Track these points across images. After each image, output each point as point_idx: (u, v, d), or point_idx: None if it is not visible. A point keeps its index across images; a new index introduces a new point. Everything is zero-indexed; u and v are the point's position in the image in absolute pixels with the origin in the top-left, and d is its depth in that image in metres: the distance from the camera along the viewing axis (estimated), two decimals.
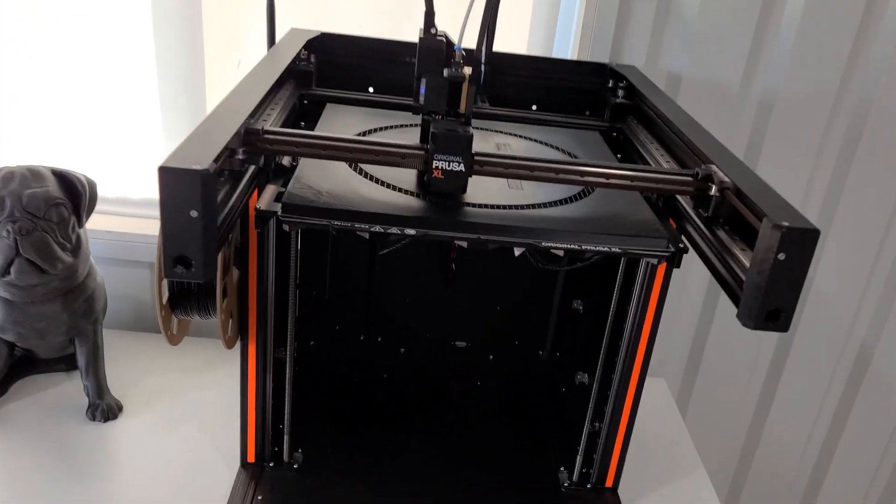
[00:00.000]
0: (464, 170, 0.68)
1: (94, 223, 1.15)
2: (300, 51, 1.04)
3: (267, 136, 0.68)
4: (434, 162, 0.68)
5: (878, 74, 1.18)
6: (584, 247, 0.72)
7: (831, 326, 1.39)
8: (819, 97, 1.19)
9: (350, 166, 0.80)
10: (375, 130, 0.92)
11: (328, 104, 0.99)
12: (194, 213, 0.55)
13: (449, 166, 0.68)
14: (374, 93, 1.11)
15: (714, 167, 0.71)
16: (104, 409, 1.06)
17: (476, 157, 0.69)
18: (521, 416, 1.16)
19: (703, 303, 1.37)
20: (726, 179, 0.68)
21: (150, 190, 1.30)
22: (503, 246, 0.71)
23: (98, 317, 1.06)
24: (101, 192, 1.03)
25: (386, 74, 1.10)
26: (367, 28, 1.19)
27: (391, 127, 0.94)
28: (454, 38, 0.71)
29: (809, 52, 1.17)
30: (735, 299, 0.64)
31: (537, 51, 1.20)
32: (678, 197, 0.78)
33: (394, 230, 0.70)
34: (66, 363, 1.14)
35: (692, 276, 1.33)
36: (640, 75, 1.09)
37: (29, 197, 0.91)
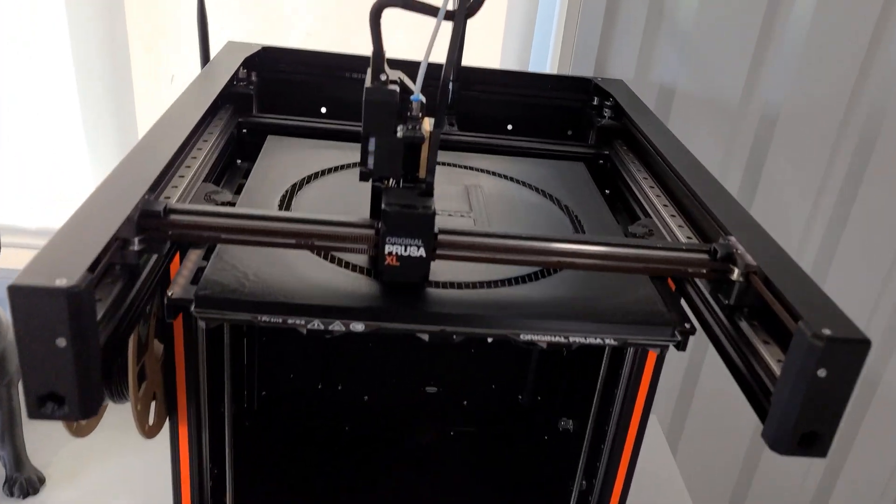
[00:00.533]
0: (424, 255, 0.52)
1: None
2: (238, 69, 0.87)
3: (172, 216, 0.51)
4: (387, 246, 0.52)
5: (892, 84, 1.03)
6: (571, 339, 0.56)
7: None
8: (827, 110, 1.04)
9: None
10: (324, 173, 0.75)
11: (269, 137, 0.82)
12: (62, 343, 0.39)
13: (406, 251, 0.52)
14: (326, 115, 0.94)
15: (733, 240, 0.56)
16: (23, 483, 0.90)
17: (440, 237, 0.53)
18: (498, 469, 1.02)
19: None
20: (753, 262, 0.53)
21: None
22: (473, 337, 0.55)
23: (12, 378, 0.90)
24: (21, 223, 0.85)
25: (340, 92, 0.94)
26: (318, 38, 1.01)
27: (345, 166, 0.77)
28: (411, 84, 0.54)
29: (817, 61, 1.01)
30: (760, 412, 0.50)
31: (512, 65, 1.03)
32: (693, 283, 0.63)
33: (336, 325, 0.54)
34: None
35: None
36: (629, 92, 0.93)
37: None
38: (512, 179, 0.79)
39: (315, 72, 0.92)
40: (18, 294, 0.39)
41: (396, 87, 0.53)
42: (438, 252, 0.53)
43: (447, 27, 0.51)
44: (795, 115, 1.03)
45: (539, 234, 0.55)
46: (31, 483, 0.91)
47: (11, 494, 0.90)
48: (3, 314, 0.89)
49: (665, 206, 0.73)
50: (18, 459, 0.91)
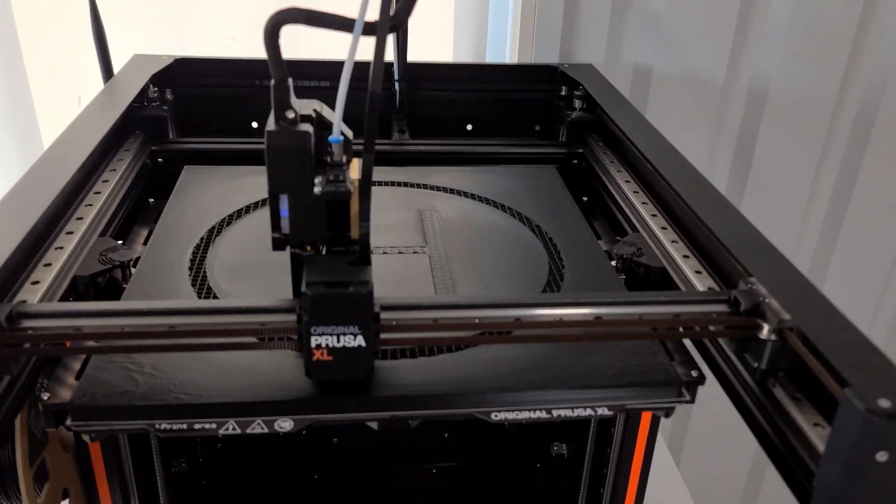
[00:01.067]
0: (364, 345, 0.38)
1: None
2: (146, 86, 0.72)
3: (25, 324, 0.37)
4: (313, 338, 0.38)
5: (891, 51, 0.89)
6: (554, 412, 0.43)
7: None
8: (821, 82, 0.91)
9: (199, 297, 0.49)
10: (249, 210, 0.61)
11: (185, 168, 0.67)
12: None
13: (339, 342, 0.38)
14: (258, 132, 0.79)
15: (755, 284, 0.43)
16: None
17: (383, 317, 0.39)
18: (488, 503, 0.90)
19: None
20: (787, 317, 0.40)
21: None
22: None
23: None
24: None
25: (255, 102, 0.79)
26: (240, 43, 0.85)
27: None
28: (331, 114, 0.40)
29: (808, 31, 0.87)
30: (801, 496, 0.39)
31: (467, 57, 0.88)
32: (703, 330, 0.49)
33: (257, 425, 0.41)
34: None
35: None
36: (600, 78, 0.80)
37: None
38: (473, 197, 0.65)
39: (240, 83, 0.78)
40: None
41: (309, 127, 0.38)
42: (383, 337, 0.40)
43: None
44: (787, 91, 0.90)
45: (512, 300, 0.42)
46: None
47: None
48: None
49: (654, 215, 0.60)
50: None
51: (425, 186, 0.67)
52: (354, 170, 0.40)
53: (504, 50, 0.85)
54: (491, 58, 0.88)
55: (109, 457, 0.55)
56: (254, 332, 0.39)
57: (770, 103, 0.90)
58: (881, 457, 0.33)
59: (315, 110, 0.40)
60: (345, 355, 0.39)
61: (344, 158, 0.40)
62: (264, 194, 0.62)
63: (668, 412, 0.45)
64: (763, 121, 0.91)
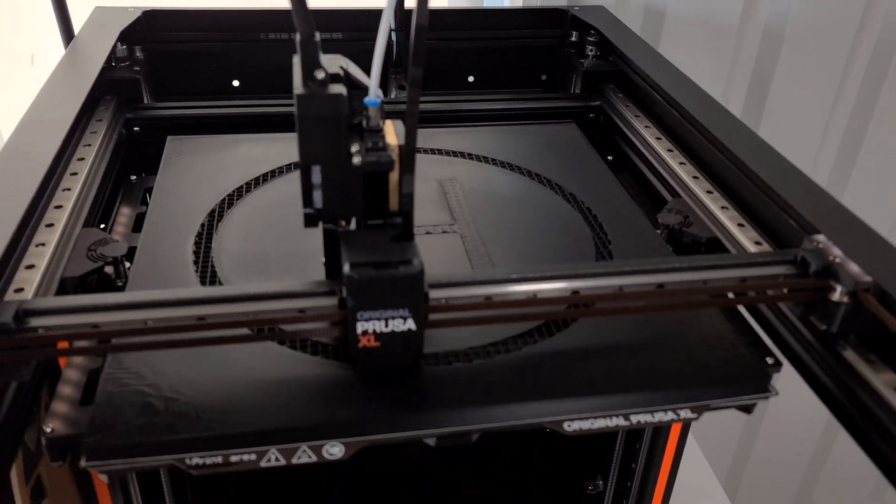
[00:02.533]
0: (415, 327, 0.37)
1: None
2: (115, 45, 0.68)
3: (35, 322, 0.35)
4: (359, 324, 0.36)
5: None
6: (634, 419, 0.40)
7: None
8: (837, 23, 0.90)
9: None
10: (254, 185, 0.58)
11: (169, 139, 0.63)
12: None
13: (388, 326, 0.37)
14: (239, 90, 0.76)
15: (823, 241, 0.42)
16: None
17: (432, 296, 0.38)
18: None
19: None
20: (864, 277, 0.40)
21: None
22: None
23: None
24: None
25: (255, 58, 0.76)
26: None
27: (282, 170, 0.60)
28: (362, 76, 0.38)
29: None
30: (889, 472, 0.37)
31: (467, 2, 0.86)
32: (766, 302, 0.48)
33: (303, 452, 0.37)
34: None
35: None
36: (614, 20, 0.78)
37: None
38: (495, 162, 0.63)
39: (218, 36, 0.74)
40: None
41: (342, 89, 0.36)
42: (433, 318, 0.38)
43: None
44: (803, 31, 0.89)
45: (568, 271, 0.41)
46: None
47: None
48: None
49: (695, 178, 0.59)
50: None
51: (440, 152, 0.65)
52: (391, 134, 0.38)
53: None
54: (491, 1, 0.85)
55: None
56: (293, 319, 0.37)
57: (786, 42, 0.90)
58: None
59: (342, 67, 0.38)
60: (394, 340, 0.37)
61: (381, 125, 0.38)
62: (263, 167, 0.60)
63: (751, 408, 0.44)
64: (779, 62, 0.90)
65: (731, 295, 0.42)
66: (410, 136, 0.37)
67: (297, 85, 0.36)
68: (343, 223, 0.39)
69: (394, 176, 0.38)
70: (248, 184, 0.57)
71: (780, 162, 0.53)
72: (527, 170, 0.62)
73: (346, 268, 0.36)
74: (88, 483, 0.55)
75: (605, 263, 0.49)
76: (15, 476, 0.48)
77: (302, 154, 0.37)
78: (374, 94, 0.37)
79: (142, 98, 0.69)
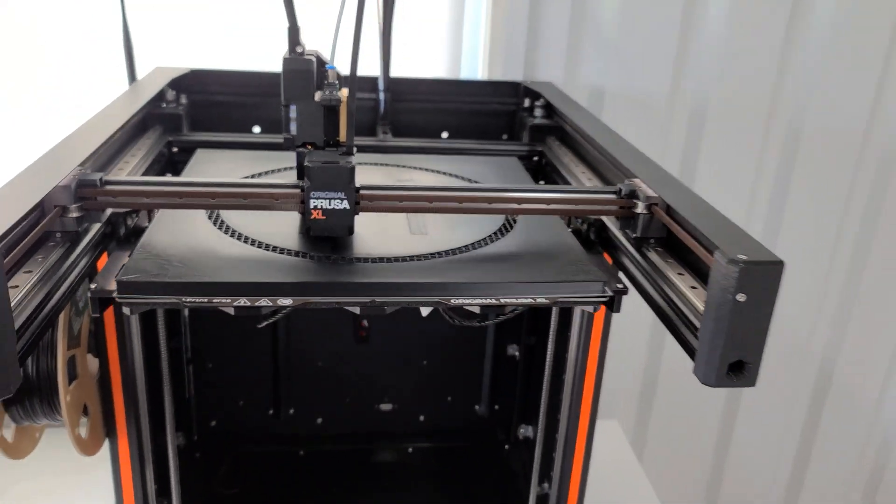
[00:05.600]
0: (348, 206, 0.62)
1: None
2: (165, 90, 0.98)
3: (109, 186, 0.61)
4: (311, 201, 0.62)
5: (815, 63, 1.18)
6: (503, 300, 0.64)
7: (789, 344, 1.37)
8: (754, 97, 1.18)
9: (214, 224, 0.71)
10: (253, 177, 0.85)
11: (198, 150, 0.92)
12: None
13: (330, 204, 0.62)
14: (261, 133, 1.05)
15: (638, 181, 0.67)
16: None
17: (362, 192, 0.63)
18: (460, 481, 1.09)
19: (652, 330, 1.33)
20: (653, 194, 0.64)
21: None
22: (404, 307, 0.64)
23: None
24: None
25: (273, 111, 1.05)
26: (250, 55, 1.13)
27: (276, 171, 0.87)
28: (326, 56, 0.66)
29: (740, 49, 1.16)
30: (690, 350, 0.57)
31: (443, 73, 1.16)
32: (609, 226, 0.73)
33: (264, 301, 0.60)
34: None
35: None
36: (558, 92, 1.06)
37: None
38: (444, 173, 0.90)
39: (246, 92, 1.04)
40: None
41: (313, 58, 0.64)
42: (361, 205, 0.63)
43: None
44: (724, 105, 1.17)
45: (457, 186, 0.66)
46: None
47: None
48: None
49: (590, 181, 0.84)
50: None
51: (404, 166, 0.92)
52: (343, 93, 0.65)
53: (476, 67, 1.13)
54: (465, 74, 1.16)
55: (126, 362, 0.76)
56: (270, 197, 0.62)
57: (708, 119, 1.18)
58: (741, 297, 0.53)
59: (316, 53, 0.66)
60: (333, 215, 0.62)
61: (337, 83, 0.65)
62: (266, 167, 0.87)
63: (596, 306, 0.67)
64: (703, 135, 1.18)
65: (569, 204, 0.67)
66: (352, 92, 0.63)
67: (285, 54, 0.64)
68: (309, 147, 0.65)
69: (343, 117, 0.65)
70: (253, 175, 0.85)
71: (645, 160, 0.78)
72: (465, 176, 0.88)
73: (306, 161, 0.62)
74: (108, 391, 0.78)
75: (482, 185, 0.74)
76: (60, 338, 0.71)
77: (284, 96, 0.64)
78: (332, 62, 0.65)
79: (182, 129, 0.98)
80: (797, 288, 1.32)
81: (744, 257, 0.51)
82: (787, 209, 1.25)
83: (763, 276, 0.51)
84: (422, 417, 1.14)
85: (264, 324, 0.95)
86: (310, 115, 0.64)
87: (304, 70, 0.63)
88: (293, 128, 0.64)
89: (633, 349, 1.34)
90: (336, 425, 1.11)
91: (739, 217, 1.22)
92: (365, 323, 1.03)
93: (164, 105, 0.98)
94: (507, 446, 1.11)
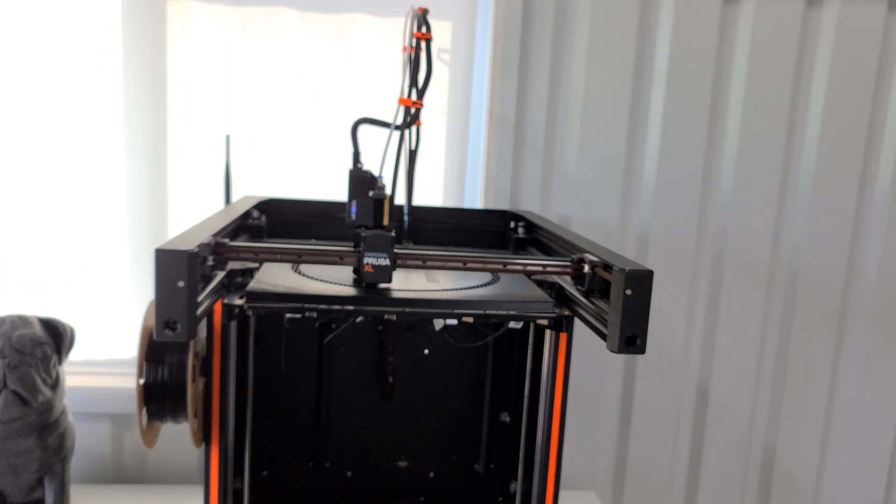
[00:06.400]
0: (389, 263, 0.88)
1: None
2: (251, 210, 1.26)
3: (231, 246, 0.87)
4: (365, 258, 0.87)
5: (728, 203, 1.47)
6: (487, 311, 0.91)
7: (734, 430, 1.56)
8: (684, 230, 1.46)
9: (295, 272, 0.98)
10: None
11: None
12: (181, 284, 0.72)
13: (377, 261, 0.88)
14: (315, 242, 1.32)
15: (587, 255, 0.93)
16: None
17: (398, 253, 0.89)
18: None
19: (620, 414, 1.54)
20: (596, 259, 0.90)
21: (117, 351, 1.45)
22: (425, 318, 0.89)
23: (67, 454, 1.16)
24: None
25: (326, 228, 1.32)
26: (316, 183, 1.43)
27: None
28: (376, 172, 0.94)
29: (670, 190, 1.45)
30: (604, 336, 0.83)
31: (452, 201, 1.45)
32: (565, 287, 0.98)
33: (336, 306, 0.88)
34: None
35: (607, 392, 1.51)
36: (536, 216, 1.34)
37: (17, 337, 1.06)
38: None
39: (306, 213, 1.32)
40: (162, 253, 0.73)
41: (368, 171, 0.92)
42: (398, 263, 0.89)
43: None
44: (662, 234, 1.45)
45: (462, 255, 0.92)
46: None
47: None
48: (67, 409, 1.18)
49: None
50: None
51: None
52: (387, 190, 0.93)
53: (476, 197, 1.42)
54: (467, 202, 1.45)
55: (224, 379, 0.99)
56: (338, 255, 0.88)
57: (652, 245, 1.45)
58: (628, 292, 0.79)
59: (369, 170, 0.94)
60: (379, 269, 0.88)
61: (382, 186, 0.93)
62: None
63: (549, 320, 0.92)
64: (648, 259, 1.45)
65: (540, 268, 0.92)
66: (392, 194, 0.91)
67: (351, 168, 0.92)
68: (362, 227, 0.92)
69: (385, 207, 0.92)
70: None
71: (596, 245, 1.04)
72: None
73: (362, 234, 0.88)
74: (208, 400, 1.00)
75: (480, 256, 1.00)
76: (188, 380, 0.95)
77: (349, 194, 0.91)
78: (380, 171, 0.92)
79: (262, 237, 1.25)
80: (737, 384, 1.54)
81: (628, 268, 0.78)
82: (720, 316, 1.50)
83: (641, 278, 0.77)
84: (431, 474, 1.33)
85: (330, 337, 1.18)
86: (365, 206, 0.91)
87: (362, 177, 0.91)
88: (353, 215, 0.91)
89: (606, 429, 1.54)
90: (363, 478, 1.30)
91: (681, 319, 1.48)
92: (390, 379, 1.25)
93: (251, 220, 1.26)
94: (500, 498, 1.29)
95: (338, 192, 1.44)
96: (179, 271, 0.73)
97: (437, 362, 1.26)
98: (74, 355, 1.41)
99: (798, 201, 1.51)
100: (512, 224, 1.35)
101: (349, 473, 1.30)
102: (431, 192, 1.47)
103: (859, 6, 1.46)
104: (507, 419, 1.27)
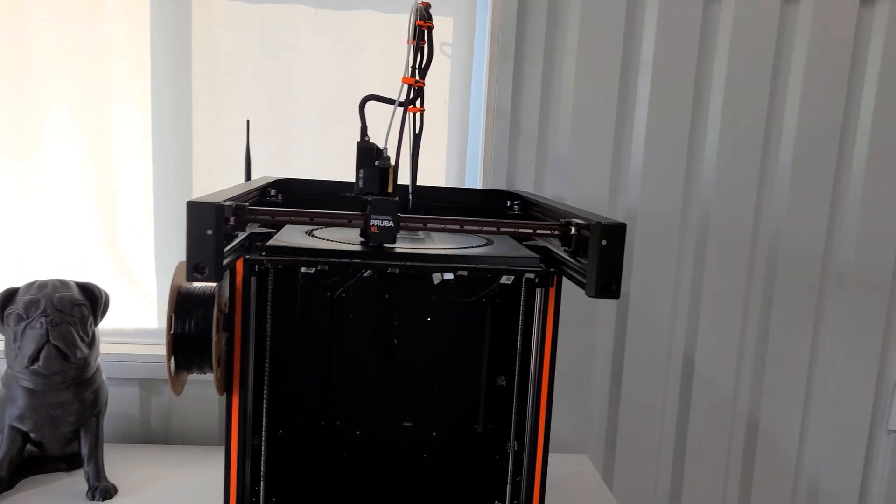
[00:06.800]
0: (393, 225, 0.95)
1: None
2: (268, 188, 1.34)
3: (251, 209, 0.94)
4: (371, 221, 0.94)
5: (711, 183, 1.54)
6: (480, 266, 0.98)
7: (719, 396, 1.63)
8: (669, 210, 1.53)
9: (309, 236, 1.06)
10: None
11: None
12: (209, 232, 0.80)
13: (382, 223, 0.95)
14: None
15: (574, 218, 1.00)
16: (102, 489, 1.21)
17: (401, 216, 0.96)
18: (461, 481, 1.33)
19: (611, 382, 1.60)
20: (581, 221, 0.96)
21: (145, 321, 1.53)
22: (425, 271, 0.96)
23: (101, 409, 1.24)
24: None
25: (335, 205, 1.39)
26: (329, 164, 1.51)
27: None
28: (381, 144, 1.01)
29: (656, 173, 1.52)
30: (583, 285, 0.91)
31: (453, 181, 1.53)
32: (553, 249, 1.05)
33: (345, 260, 0.96)
34: (67, 462, 1.29)
35: (597, 360, 1.58)
36: (531, 194, 1.41)
37: (59, 298, 1.14)
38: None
39: (320, 192, 1.40)
40: (193, 205, 0.80)
41: (375, 144, 0.99)
42: (401, 224, 0.96)
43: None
44: (648, 215, 1.52)
45: (459, 219, 0.99)
46: (107, 491, 1.21)
47: (94, 498, 1.20)
48: (101, 368, 1.26)
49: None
50: (99, 473, 1.22)
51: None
52: (392, 161, 1.00)
53: (476, 177, 1.49)
54: (469, 180, 1.52)
55: (245, 331, 1.07)
56: (347, 218, 0.95)
57: (639, 223, 1.52)
58: (604, 242, 0.87)
59: (374, 142, 1.01)
60: (384, 230, 0.95)
61: (388, 157, 1.00)
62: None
63: (536, 275, 0.99)
64: (635, 238, 1.52)
65: (531, 230, 0.99)
66: (394, 166, 0.98)
67: (358, 141, 0.99)
68: (369, 195, 0.99)
69: (390, 176, 0.99)
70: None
71: (584, 211, 1.11)
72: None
73: (369, 199, 0.95)
74: (230, 354, 1.08)
75: (478, 219, 1.07)
76: (214, 334, 1.02)
77: (357, 165, 0.98)
78: (385, 146, 0.99)
79: None
80: (720, 355, 1.61)
81: (602, 221, 0.87)
82: (704, 290, 1.57)
83: (614, 230, 0.85)
84: (434, 433, 1.39)
85: (340, 291, 1.23)
86: (371, 175, 0.98)
87: (369, 148, 0.99)
88: (360, 184, 0.99)
89: (597, 394, 1.61)
90: (371, 436, 1.37)
91: (668, 291, 1.54)
92: (395, 342, 1.32)
93: (269, 197, 1.33)
94: (497, 457, 1.35)
95: (347, 174, 1.52)
96: (208, 221, 0.80)
97: (439, 329, 1.32)
98: (106, 324, 1.49)
99: (777, 179, 1.58)
100: (508, 203, 1.42)
101: (358, 432, 1.36)
102: (434, 174, 1.54)
103: (833, 1, 1.53)
104: (504, 383, 1.33)
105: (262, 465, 1.10)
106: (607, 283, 0.86)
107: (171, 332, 1.01)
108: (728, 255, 1.57)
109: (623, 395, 1.61)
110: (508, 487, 1.17)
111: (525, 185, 1.50)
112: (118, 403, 1.46)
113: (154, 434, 1.52)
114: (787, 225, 1.58)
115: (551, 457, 1.18)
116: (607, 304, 1.58)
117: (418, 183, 1.36)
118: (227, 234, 0.92)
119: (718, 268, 1.57)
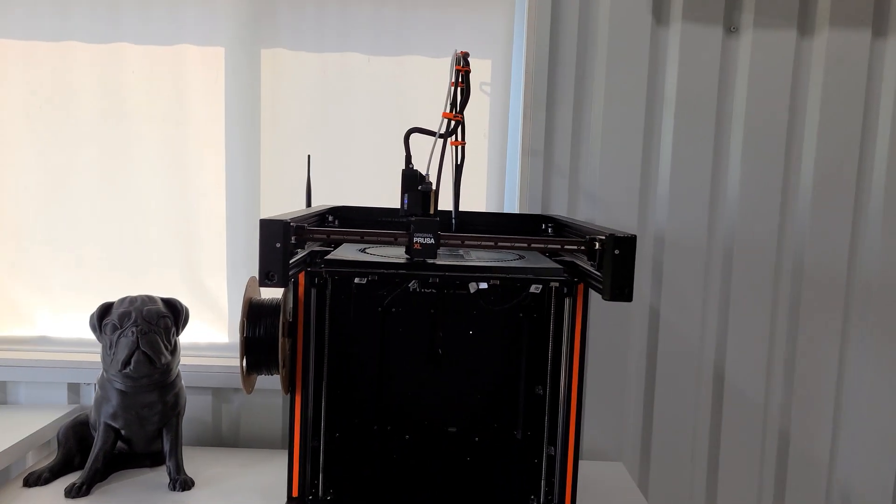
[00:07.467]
0: (433, 242, 1.03)
1: None
2: (325, 214, 1.44)
3: (310, 229, 1.04)
4: (414, 238, 1.03)
5: (734, 206, 1.59)
6: (510, 276, 1.06)
7: (750, 410, 1.65)
8: (695, 233, 1.58)
9: (362, 253, 1.15)
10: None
11: (344, 243, 1.36)
12: (278, 245, 0.90)
13: (424, 240, 1.03)
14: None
15: (598, 235, 1.07)
16: (182, 481, 1.31)
17: (441, 234, 1.04)
18: (504, 481, 1.38)
19: (644, 395, 1.64)
20: (604, 237, 1.03)
21: (217, 336, 1.64)
22: (462, 280, 1.04)
23: (181, 410, 1.35)
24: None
25: (383, 227, 1.49)
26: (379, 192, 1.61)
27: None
28: (423, 171, 1.10)
29: (682, 198, 1.58)
30: (600, 291, 0.98)
31: (494, 206, 1.61)
32: (580, 264, 1.12)
33: (392, 271, 1.06)
34: (151, 459, 1.40)
35: (631, 375, 1.62)
36: (563, 217, 1.48)
37: (147, 311, 1.25)
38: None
39: (370, 217, 1.49)
40: (265, 222, 0.91)
41: (418, 171, 1.08)
42: (441, 242, 1.04)
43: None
44: (676, 236, 1.57)
45: (493, 236, 1.07)
46: (186, 483, 1.31)
47: (174, 489, 1.30)
48: (181, 375, 1.37)
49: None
50: (179, 467, 1.33)
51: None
52: (433, 185, 1.09)
53: (514, 203, 1.57)
54: (507, 205, 1.60)
55: (306, 338, 1.16)
56: (393, 237, 1.04)
57: (667, 244, 1.57)
58: (616, 252, 0.93)
59: (418, 169, 1.11)
60: (426, 247, 1.03)
61: (430, 182, 1.09)
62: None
63: (561, 283, 1.06)
64: (665, 257, 1.57)
65: (559, 245, 1.07)
66: (436, 191, 1.07)
67: (403, 168, 1.09)
68: (413, 216, 1.08)
69: (432, 199, 1.08)
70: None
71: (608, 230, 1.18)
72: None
73: (413, 220, 1.04)
74: (294, 357, 1.17)
75: (510, 237, 1.15)
76: (280, 340, 1.12)
77: (402, 189, 1.07)
78: (426, 172, 1.09)
79: None
80: (748, 362, 1.64)
81: (616, 234, 0.94)
82: (731, 309, 1.61)
83: (626, 242, 0.91)
84: (476, 438, 1.45)
85: (388, 299, 1.25)
86: (415, 199, 1.07)
87: (413, 174, 1.08)
88: (406, 206, 1.08)
89: (631, 405, 1.65)
90: (419, 441, 1.43)
91: (696, 309, 1.59)
92: (440, 350, 1.40)
93: (326, 224, 1.44)
94: (536, 460, 1.40)
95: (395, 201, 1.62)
96: (277, 235, 0.90)
97: (481, 341, 1.39)
98: (182, 339, 1.61)
99: (799, 202, 1.61)
100: (543, 225, 1.50)
101: (407, 437, 1.43)
102: (476, 201, 1.62)
103: (846, 34, 1.57)
104: (541, 392, 1.39)
105: (322, 459, 1.18)
106: (621, 288, 0.92)
107: (244, 335, 1.11)
108: (754, 272, 1.60)
109: (656, 407, 1.65)
110: (542, 483, 1.23)
111: (558, 208, 1.58)
112: (193, 410, 1.57)
113: (224, 438, 1.62)
114: (810, 241, 1.61)
115: (588, 464, 1.23)
116: (640, 321, 1.63)
117: (460, 209, 1.45)
118: (291, 250, 1.02)
119: (745, 285, 1.60)
